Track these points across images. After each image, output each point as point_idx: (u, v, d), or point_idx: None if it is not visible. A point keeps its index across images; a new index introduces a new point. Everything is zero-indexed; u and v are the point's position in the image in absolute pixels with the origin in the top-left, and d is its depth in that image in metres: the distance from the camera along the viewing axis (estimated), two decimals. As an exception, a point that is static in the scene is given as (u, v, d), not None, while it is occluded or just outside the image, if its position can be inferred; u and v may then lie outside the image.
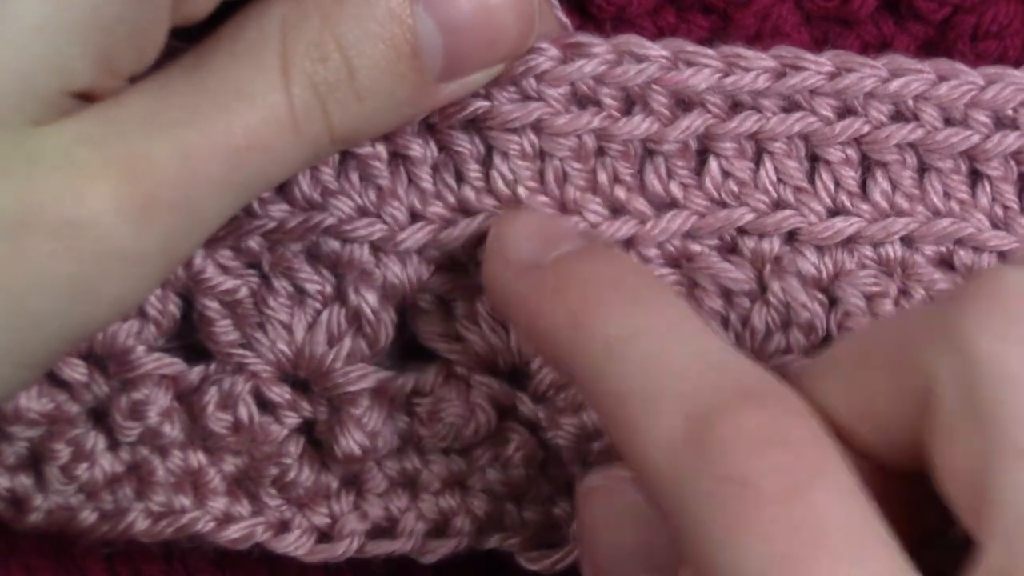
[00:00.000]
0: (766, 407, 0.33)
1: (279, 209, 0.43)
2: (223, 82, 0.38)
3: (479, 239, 0.43)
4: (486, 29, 0.40)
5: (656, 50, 0.42)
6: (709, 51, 0.42)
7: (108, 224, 0.36)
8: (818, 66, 0.42)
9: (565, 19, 0.43)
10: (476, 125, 0.43)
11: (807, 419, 0.34)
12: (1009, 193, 0.43)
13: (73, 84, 0.37)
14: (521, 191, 0.43)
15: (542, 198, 0.43)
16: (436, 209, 0.43)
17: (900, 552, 0.33)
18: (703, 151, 0.43)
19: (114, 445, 0.44)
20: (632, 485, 0.38)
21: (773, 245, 0.43)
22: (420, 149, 0.43)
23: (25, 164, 0.36)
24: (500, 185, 0.43)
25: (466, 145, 0.43)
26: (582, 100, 0.43)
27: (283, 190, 0.43)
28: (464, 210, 0.43)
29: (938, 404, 0.34)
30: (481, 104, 0.42)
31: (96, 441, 0.44)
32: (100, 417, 0.44)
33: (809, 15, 0.46)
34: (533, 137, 0.43)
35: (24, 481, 0.44)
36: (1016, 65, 0.45)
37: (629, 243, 0.44)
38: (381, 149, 0.43)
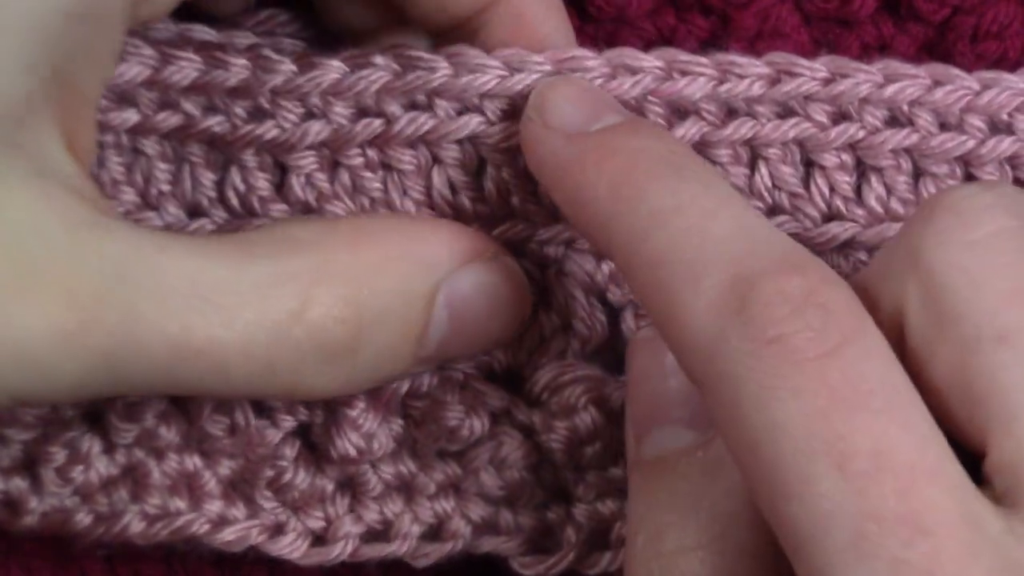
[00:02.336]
0: (806, 275, 0.33)
1: (278, 209, 0.43)
2: (219, 286, 0.38)
3: None
4: (484, 332, 0.42)
5: (650, 61, 0.42)
6: (703, 59, 0.42)
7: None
8: (812, 72, 0.42)
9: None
10: (472, 140, 0.43)
11: (845, 289, 0.34)
12: (1004, 198, 0.43)
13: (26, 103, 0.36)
14: (515, 201, 0.43)
15: (535, 207, 0.43)
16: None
17: (930, 417, 0.33)
18: (699, 157, 0.43)
19: (109, 448, 0.44)
20: None
21: (768, 250, 0.43)
22: (412, 161, 0.43)
23: None
24: (494, 195, 0.43)
25: (459, 156, 0.43)
26: None
27: (281, 191, 0.43)
28: (460, 219, 0.43)
29: (911, 325, 0.34)
30: (478, 121, 0.42)
31: (92, 444, 0.44)
32: (96, 420, 0.44)
33: (809, 16, 0.46)
34: None
35: (19, 483, 0.44)
36: (1016, 66, 0.45)
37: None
38: (373, 157, 0.43)
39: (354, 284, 0.39)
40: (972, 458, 0.33)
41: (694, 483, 0.37)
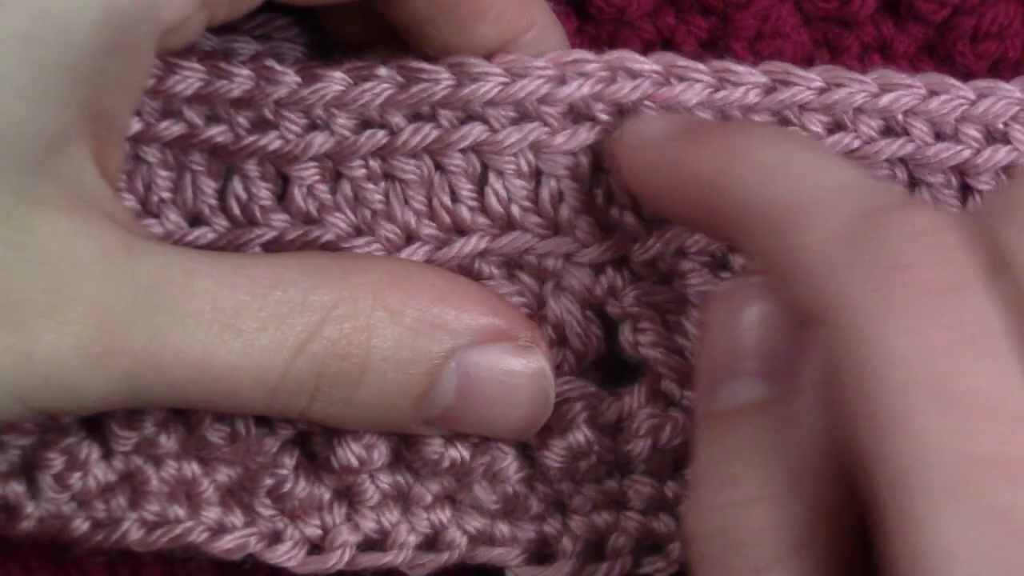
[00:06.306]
0: (927, 213, 0.34)
1: (280, 219, 0.44)
2: (240, 311, 0.39)
3: (471, 259, 0.44)
4: (495, 415, 0.42)
5: (648, 65, 0.42)
6: (700, 66, 0.43)
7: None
8: (808, 81, 0.42)
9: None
10: (475, 149, 0.43)
11: (967, 234, 0.34)
12: (999, 206, 0.43)
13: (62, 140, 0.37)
14: (515, 211, 0.43)
15: (535, 218, 0.43)
16: (430, 231, 0.44)
17: None
18: (695, 167, 0.43)
19: (108, 454, 0.44)
20: (758, 295, 0.38)
21: (764, 260, 0.43)
22: (415, 172, 0.43)
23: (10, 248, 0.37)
24: (494, 203, 0.43)
25: (461, 164, 0.43)
26: (578, 116, 0.43)
27: (283, 201, 0.44)
28: (459, 230, 0.44)
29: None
30: (481, 130, 0.43)
31: (90, 450, 0.44)
32: (94, 426, 0.44)
33: (809, 16, 0.46)
34: (530, 156, 0.43)
35: (16, 488, 0.44)
36: (1017, 66, 0.45)
37: (621, 261, 0.44)
38: (375, 168, 0.43)
39: (364, 327, 0.40)
40: None
41: (767, 435, 0.36)
